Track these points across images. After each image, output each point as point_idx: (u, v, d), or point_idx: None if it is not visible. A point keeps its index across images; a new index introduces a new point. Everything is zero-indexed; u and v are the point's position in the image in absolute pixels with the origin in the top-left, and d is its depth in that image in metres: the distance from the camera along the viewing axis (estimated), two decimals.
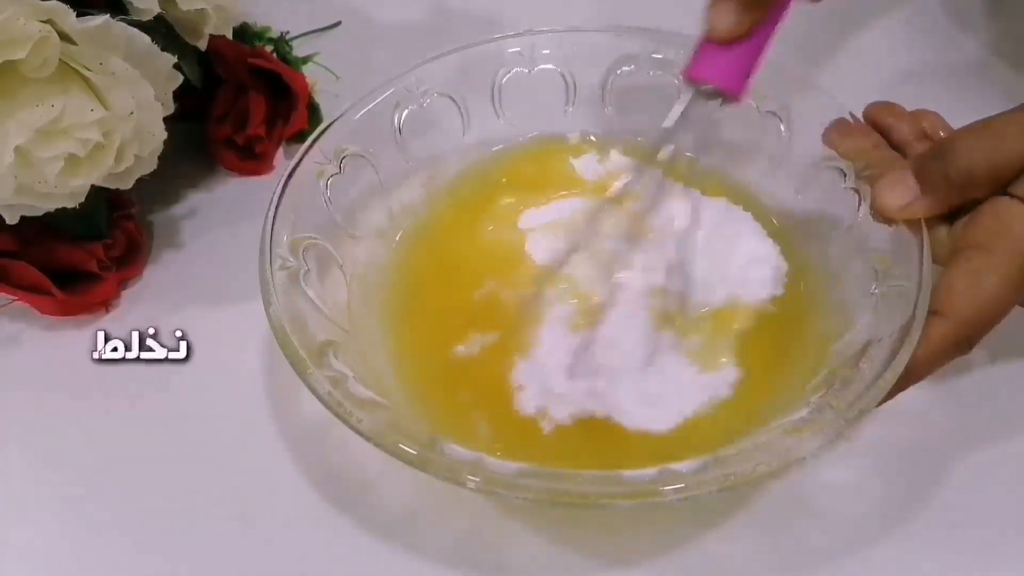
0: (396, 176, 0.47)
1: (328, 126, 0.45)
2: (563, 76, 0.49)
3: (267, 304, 0.39)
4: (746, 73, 0.38)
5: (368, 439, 0.35)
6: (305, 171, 0.43)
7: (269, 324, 0.38)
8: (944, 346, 0.36)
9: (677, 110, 0.39)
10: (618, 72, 0.49)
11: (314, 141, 0.44)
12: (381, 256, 0.46)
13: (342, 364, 0.38)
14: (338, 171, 0.45)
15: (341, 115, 0.46)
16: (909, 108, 0.43)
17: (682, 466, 0.35)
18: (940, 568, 0.39)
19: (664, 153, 0.41)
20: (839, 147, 0.43)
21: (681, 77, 0.39)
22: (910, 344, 0.35)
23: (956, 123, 0.40)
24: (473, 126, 0.49)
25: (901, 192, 0.39)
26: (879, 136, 0.43)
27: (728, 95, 0.39)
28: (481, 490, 0.34)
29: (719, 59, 0.38)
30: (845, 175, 0.43)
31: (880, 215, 0.40)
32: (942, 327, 0.36)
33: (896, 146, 0.43)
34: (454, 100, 0.48)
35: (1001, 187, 0.37)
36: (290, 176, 0.43)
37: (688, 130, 0.40)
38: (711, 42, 0.38)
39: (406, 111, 0.47)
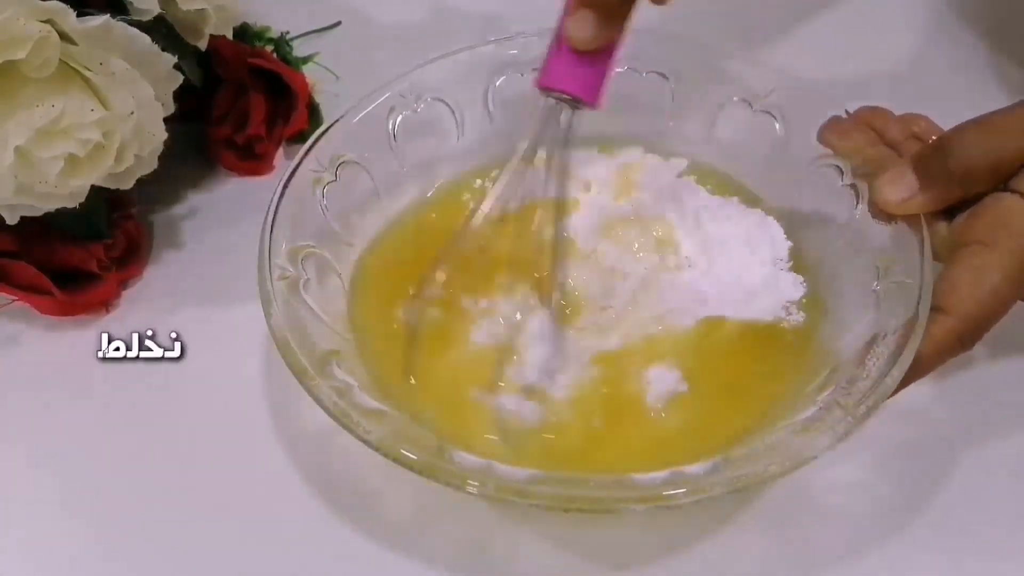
0: (391, 182, 0.47)
1: (323, 133, 0.45)
2: None
3: (268, 315, 0.39)
4: (602, 82, 0.38)
5: (377, 449, 0.35)
6: (301, 179, 0.43)
7: (271, 335, 0.38)
8: (947, 342, 0.36)
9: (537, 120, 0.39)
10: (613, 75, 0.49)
11: (309, 149, 0.44)
12: (377, 262, 0.46)
13: (345, 373, 0.38)
14: (334, 179, 0.45)
15: (336, 122, 0.46)
16: (907, 106, 0.43)
17: (692, 468, 0.35)
18: (945, 565, 0.39)
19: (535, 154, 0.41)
20: (835, 145, 0.43)
21: (536, 87, 0.39)
22: (915, 340, 0.35)
23: (955, 120, 0.39)
24: (467, 131, 0.49)
25: (901, 187, 0.39)
26: (875, 134, 0.43)
27: (585, 103, 0.39)
28: (493, 497, 0.34)
29: (576, 69, 0.38)
30: (842, 172, 0.43)
31: (879, 211, 0.40)
32: (945, 323, 0.36)
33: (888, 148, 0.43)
34: (448, 105, 0.48)
35: (1001, 182, 0.37)
36: (286, 185, 0.43)
37: (547, 135, 0.40)
38: (567, 50, 0.38)
39: (400, 116, 0.47)
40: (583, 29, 0.37)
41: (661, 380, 0.40)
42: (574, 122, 0.39)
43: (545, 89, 0.39)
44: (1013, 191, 0.37)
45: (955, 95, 0.56)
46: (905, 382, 0.36)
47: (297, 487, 0.42)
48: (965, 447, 0.42)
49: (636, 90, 0.49)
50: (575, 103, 0.39)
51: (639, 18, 0.51)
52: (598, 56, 0.38)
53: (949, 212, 0.39)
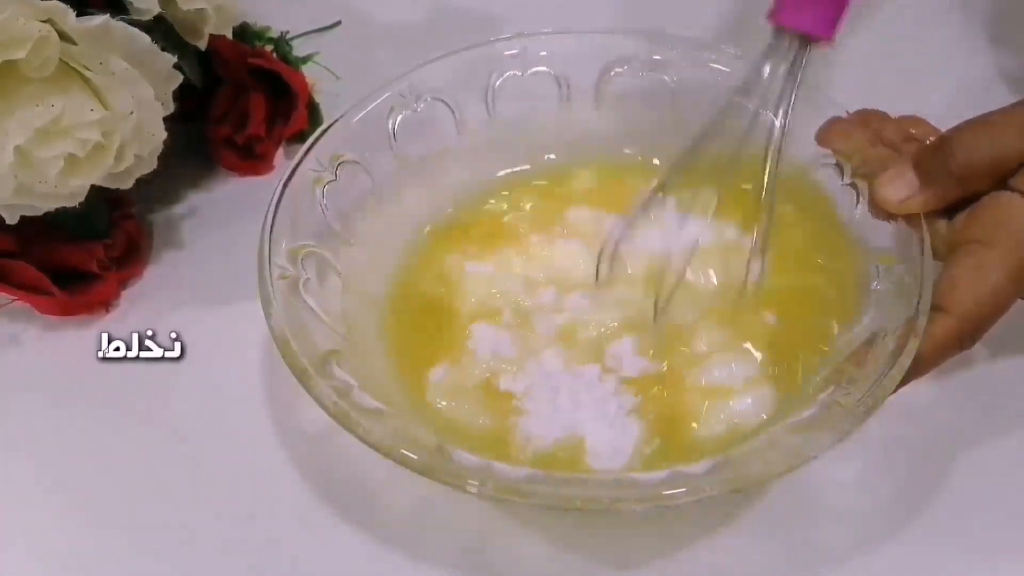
0: (391, 182, 0.47)
1: (322, 133, 0.45)
2: (556, 78, 0.49)
3: (268, 315, 0.38)
4: (837, 14, 0.37)
5: (377, 449, 0.35)
6: (301, 179, 0.43)
7: (271, 335, 0.38)
8: (947, 341, 0.36)
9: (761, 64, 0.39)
10: (611, 74, 0.49)
11: (308, 149, 0.44)
12: (378, 263, 0.46)
13: (345, 373, 0.38)
14: (334, 178, 0.45)
15: (335, 121, 0.45)
16: (908, 105, 0.43)
17: (693, 468, 0.35)
18: (945, 565, 0.39)
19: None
20: (834, 145, 0.43)
21: (769, 23, 0.38)
22: (915, 339, 0.35)
23: (956, 119, 0.39)
24: (467, 130, 0.49)
25: (901, 186, 0.39)
26: (873, 134, 0.43)
27: (819, 40, 0.38)
28: (493, 496, 0.34)
29: (807, 4, 0.37)
30: (842, 172, 0.43)
31: (879, 210, 0.40)
32: (945, 322, 0.36)
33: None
34: (448, 104, 0.48)
35: (1001, 181, 0.37)
36: (286, 184, 0.43)
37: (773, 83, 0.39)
38: None
39: (400, 116, 0.47)
40: None
41: None
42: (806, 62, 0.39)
43: (778, 27, 0.38)
44: (1013, 190, 0.37)
45: (956, 94, 0.56)
46: (905, 381, 0.35)
47: (297, 487, 0.42)
48: (965, 447, 0.42)
49: (636, 90, 0.49)
50: (808, 40, 0.38)
51: (639, 18, 0.51)
52: None
53: (949, 211, 0.39)
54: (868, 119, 0.43)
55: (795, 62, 0.40)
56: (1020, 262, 0.36)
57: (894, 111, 0.44)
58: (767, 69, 0.40)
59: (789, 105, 0.41)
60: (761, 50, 0.40)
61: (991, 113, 0.38)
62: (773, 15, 0.38)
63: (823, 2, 0.37)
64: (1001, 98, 0.40)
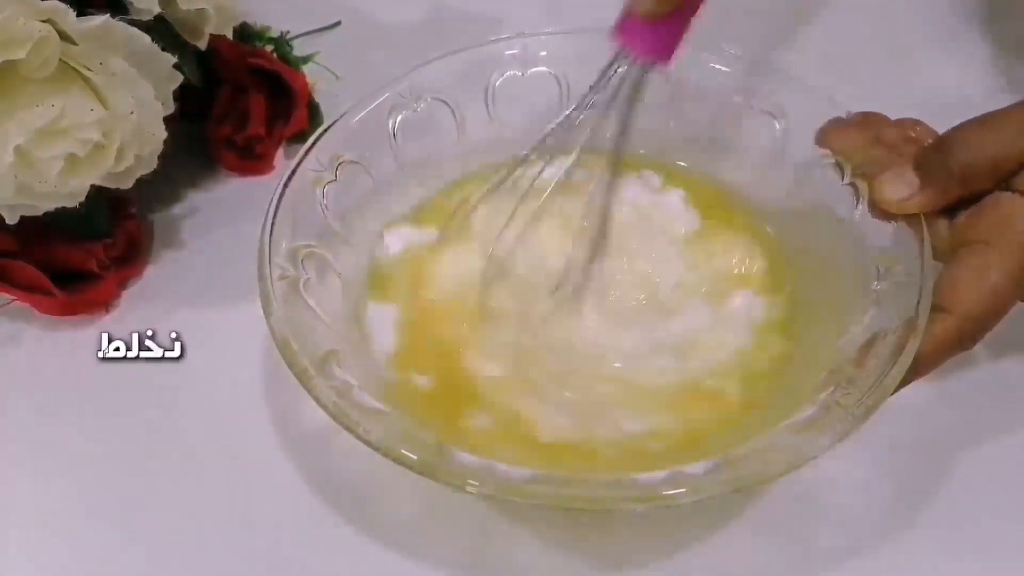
0: (391, 182, 0.47)
1: (323, 133, 0.45)
2: (557, 79, 0.49)
3: (268, 315, 0.38)
4: (676, 42, 0.38)
5: (376, 449, 0.35)
6: (302, 179, 0.43)
7: (271, 335, 0.38)
8: (948, 341, 0.36)
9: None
10: (611, 74, 0.49)
11: (309, 149, 0.44)
12: (377, 262, 0.46)
13: (345, 373, 0.38)
14: (334, 178, 0.45)
15: (336, 121, 0.45)
16: (911, 105, 0.43)
17: (693, 468, 0.35)
18: (945, 565, 0.39)
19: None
20: (834, 145, 0.43)
21: (612, 38, 0.39)
22: (915, 339, 0.35)
23: (955, 119, 0.39)
24: (467, 130, 0.49)
25: (901, 186, 0.39)
26: (873, 135, 0.43)
27: (659, 63, 0.39)
28: (493, 497, 0.34)
29: (651, 29, 0.38)
30: (842, 172, 0.43)
31: (879, 209, 0.40)
32: (946, 322, 0.36)
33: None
34: (448, 104, 0.48)
35: (1002, 181, 0.37)
36: (287, 184, 0.43)
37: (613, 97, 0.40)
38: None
39: (400, 116, 0.47)
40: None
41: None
42: (643, 80, 0.40)
43: (622, 47, 0.39)
44: (1014, 190, 0.37)
45: (957, 94, 0.56)
46: (905, 381, 0.35)
47: (297, 487, 0.42)
48: (965, 447, 0.42)
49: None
50: (647, 62, 0.39)
51: None
52: (670, 20, 0.38)
53: (949, 211, 0.39)
54: (868, 121, 0.43)
55: (634, 79, 0.40)
56: (1021, 262, 0.36)
57: (893, 114, 0.44)
58: (608, 78, 0.41)
59: (623, 128, 0.42)
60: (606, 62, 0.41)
61: (991, 113, 0.38)
62: (616, 32, 0.39)
63: (660, 28, 0.38)
64: (1001, 99, 0.40)
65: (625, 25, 0.39)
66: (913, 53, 0.60)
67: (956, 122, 0.39)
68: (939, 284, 0.37)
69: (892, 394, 0.35)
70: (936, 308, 0.36)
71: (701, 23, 0.54)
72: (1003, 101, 0.39)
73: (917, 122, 0.43)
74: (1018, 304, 0.37)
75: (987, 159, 0.37)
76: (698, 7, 0.38)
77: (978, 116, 0.38)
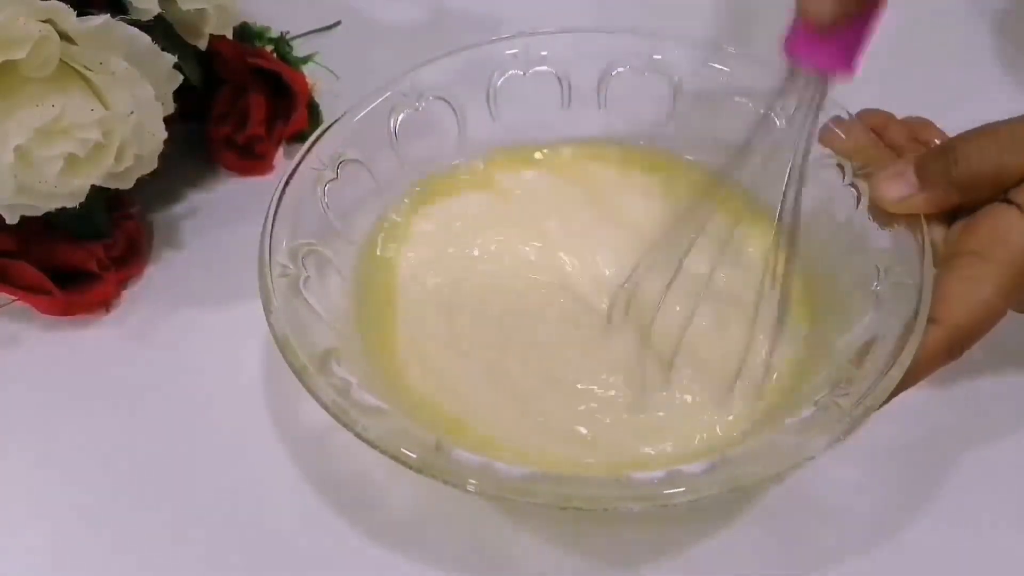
0: (392, 180, 0.47)
1: (324, 131, 0.45)
2: (558, 78, 0.49)
3: (268, 312, 0.38)
4: (856, 50, 0.36)
5: (376, 447, 0.35)
6: (303, 177, 0.43)
7: (271, 332, 0.38)
8: (936, 352, 0.36)
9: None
10: (613, 74, 0.49)
11: (310, 147, 0.44)
12: (377, 261, 0.46)
13: (345, 371, 0.38)
14: (335, 177, 0.45)
15: (337, 120, 0.45)
16: (912, 105, 0.43)
17: (690, 468, 0.35)
18: (944, 565, 0.39)
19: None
20: (837, 145, 0.43)
21: (785, 54, 0.37)
22: (914, 341, 0.35)
23: (960, 120, 0.39)
24: (468, 129, 0.49)
25: (900, 185, 0.39)
26: (876, 136, 0.43)
27: (838, 74, 0.37)
28: (491, 495, 0.34)
29: (824, 41, 0.36)
30: (844, 172, 0.43)
31: (877, 207, 0.40)
32: (935, 333, 0.36)
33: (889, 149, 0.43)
34: (449, 103, 0.48)
35: (1001, 192, 0.37)
36: (288, 181, 0.43)
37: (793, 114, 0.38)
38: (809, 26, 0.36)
39: (402, 115, 0.47)
40: (816, 6, 0.35)
41: None
42: (826, 92, 0.38)
43: (793, 60, 0.37)
44: (1011, 203, 0.37)
45: (961, 94, 0.56)
46: (895, 392, 0.35)
47: (297, 485, 0.42)
48: (964, 447, 0.42)
49: (636, 90, 0.49)
50: (825, 74, 0.37)
51: (640, 18, 0.51)
52: (845, 28, 0.36)
53: (946, 218, 0.39)
54: (872, 120, 0.43)
55: (812, 97, 0.38)
56: (1013, 278, 0.36)
57: (900, 112, 0.44)
58: (785, 102, 0.39)
59: (807, 144, 0.39)
60: (778, 83, 0.39)
61: (999, 123, 0.38)
62: (787, 48, 0.37)
63: (837, 36, 0.36)
64: (1007, 101, 0.40)
65: (798, 37, 0.36)
66: (919, 52, 0.59)
67: (960, 123, 0.39)
68: (931, 294, 0.37)
69: (884, 404, 0.35)
70: (927, 318, 0.36)
71: (701, 23, 0.54)
72: (1009, 101, 0.39)
73: (925, 122, 0.42)
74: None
75: (989, 170, 0.37)
76: (876, 10, 0.36)
77: (985, 125, 0.38)
